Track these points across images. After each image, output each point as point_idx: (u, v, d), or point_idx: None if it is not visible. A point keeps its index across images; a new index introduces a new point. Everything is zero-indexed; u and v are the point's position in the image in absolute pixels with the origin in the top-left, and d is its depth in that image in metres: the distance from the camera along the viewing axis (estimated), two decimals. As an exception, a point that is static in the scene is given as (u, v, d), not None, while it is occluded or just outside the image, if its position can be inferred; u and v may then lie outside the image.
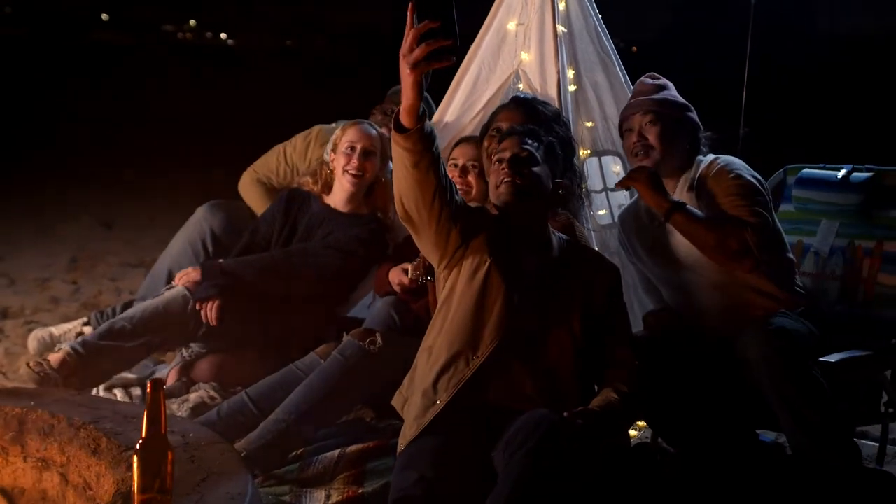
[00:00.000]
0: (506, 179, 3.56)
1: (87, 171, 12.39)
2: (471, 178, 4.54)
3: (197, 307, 4.73)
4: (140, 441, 2.60)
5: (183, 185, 11.12)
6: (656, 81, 4.42)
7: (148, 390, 2.59)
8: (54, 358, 4.44)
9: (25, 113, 18.08)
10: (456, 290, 3.50)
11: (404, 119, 3.19)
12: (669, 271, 4.29)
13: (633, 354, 3.63)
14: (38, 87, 23.09)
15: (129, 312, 4.73)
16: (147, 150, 14.86)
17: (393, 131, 3.22)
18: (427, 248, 3.57)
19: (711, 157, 4.28)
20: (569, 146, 4.30)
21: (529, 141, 3.65)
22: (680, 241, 4.14)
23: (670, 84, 4.42)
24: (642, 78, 4.51)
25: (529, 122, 4.19)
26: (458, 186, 4.37)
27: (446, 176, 3.38)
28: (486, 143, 4.38)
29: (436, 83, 5.55)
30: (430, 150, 3.24)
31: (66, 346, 4.50)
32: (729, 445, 4.03)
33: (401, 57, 3.09)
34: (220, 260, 4.97)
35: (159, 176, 12.42)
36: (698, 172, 4.22)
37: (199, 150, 14.88)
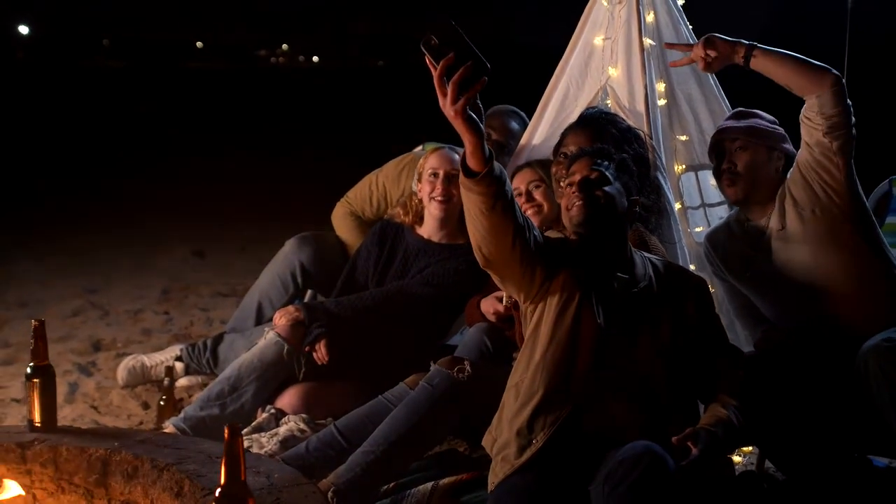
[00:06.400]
0: (577, 203, 3.46)
1: (180, 201, 12.58)
2: (537, 196, 4.57)
3: (307, 350, 4.75)
4: (219, 489, 2.51)
5: (275, 213, 11.20)
6: (746, 115, 4.36)
7: (225, 437, 2.50)
8: None
9: (120, 144, 18.42)
10: (542, 325, 3.40)
11: (471, 163, 3.10)
12: (777, 286, 4.16)
13: (736, 364, 3.52)
14: (133, 117, 23.57)
15: (226, 372, 4.75)
16: (239, 176, 15.04)
17: (462, 177, 3.13)
18: (511, 289, 3.50)
19: None
20: (643, 161, 4.23)
21: (599, 161, 3.55)
22: (791, 256, 4.07)
23: (762, 114, 4.34)
24: (731, 113, 4.50)
25: (598, 140, 4.13)
26: (529, 211, 4.35)
27: (523, 215, 3.29)
28: (554, 169, 4.35)
29: (525, 103, 5.49)
30: (504, 190, 3.15)
31: (170, 426, 4.49)
32: (841, 470, 3.85)
33: (442, 109, 3.02)
34: (323, 300, 5.00)
35: (250, 203, 12.56)
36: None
37: (290, 177, 15.01)
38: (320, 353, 4.73)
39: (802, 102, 4.04)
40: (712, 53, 4.18)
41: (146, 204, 12.40)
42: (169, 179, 14.59)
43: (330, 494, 3.75)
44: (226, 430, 2.50)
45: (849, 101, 3.98)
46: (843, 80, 3.98)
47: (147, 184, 14.09)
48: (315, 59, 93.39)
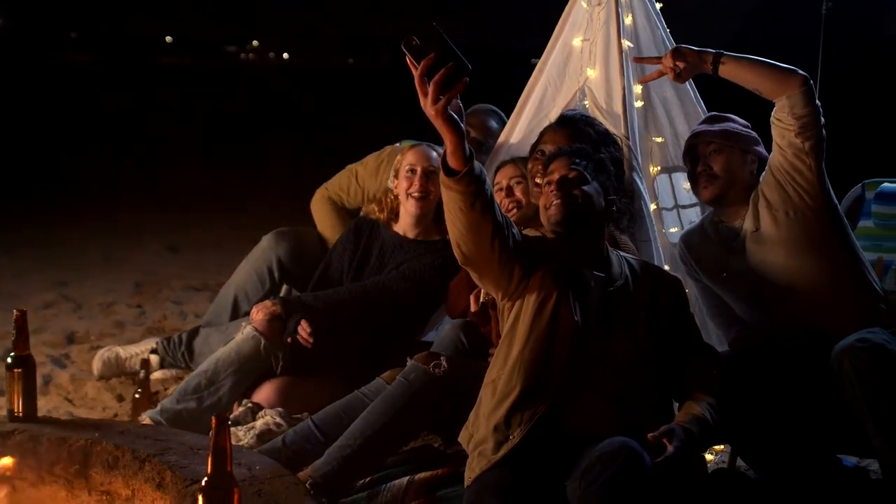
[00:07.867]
0: (555, 201, 3.50)
1: (153, 195, 12.56)
2: (518, 193, 4.58)
3: (288, 341, 4.75)
4: (205, 478, 2.54)
5: (246, 209, 11.19)
6: (719, 119, 4.44)
7: (213, 426, 2.52)
8: None
9: (90, 138, 18.32)
10: (520, 322, 3.42)
11: (452, 162, 3.13)
12: (751, 287, 4.21)
13: (711, 362, 3.56)
14: (104, 113, 23.43)
15: (203, 366, 4.73)
16: (213, 171, 15.01)
17: (442, 176, 3.15)
18: (489, 286, 3.52)
19: None
20: (619, 164, 4.30)
21: (578, 160, 3.58)
22: (765, 258, 4.12)
23: (736, 118, 4.41)
24: (705, 118, 4.58)
25: (576, 140, 4.18)
26: (508, 205, 4.41)
27: (502, 213, 3.32)
28: (530, 166, 4.38)
29: (504, 102, 5.52)
30: (483, 189, 3.17)
31: (146, 418, 4.49)
32: (812, 469, 3.90)
33: (423, 109, 3.04)
34: (299, 294, 4.98)
35: (224, 198, 12.54)
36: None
37: (261, 173, 14.99)
38: (304, 333, 4.71)
39: (773, 106, 4.10)
40: (681, 64, 4.23)
41: (118, 198, 12.34)
42: (141, 173, 14.54)
43: (307, 487, 3.78)
44: (213, 420, 2.52)
45: (818, 101, 4.05)
46: (812, 81, 4.05)
47: (118, 177, 14.04)
48: (285, 55, 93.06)
